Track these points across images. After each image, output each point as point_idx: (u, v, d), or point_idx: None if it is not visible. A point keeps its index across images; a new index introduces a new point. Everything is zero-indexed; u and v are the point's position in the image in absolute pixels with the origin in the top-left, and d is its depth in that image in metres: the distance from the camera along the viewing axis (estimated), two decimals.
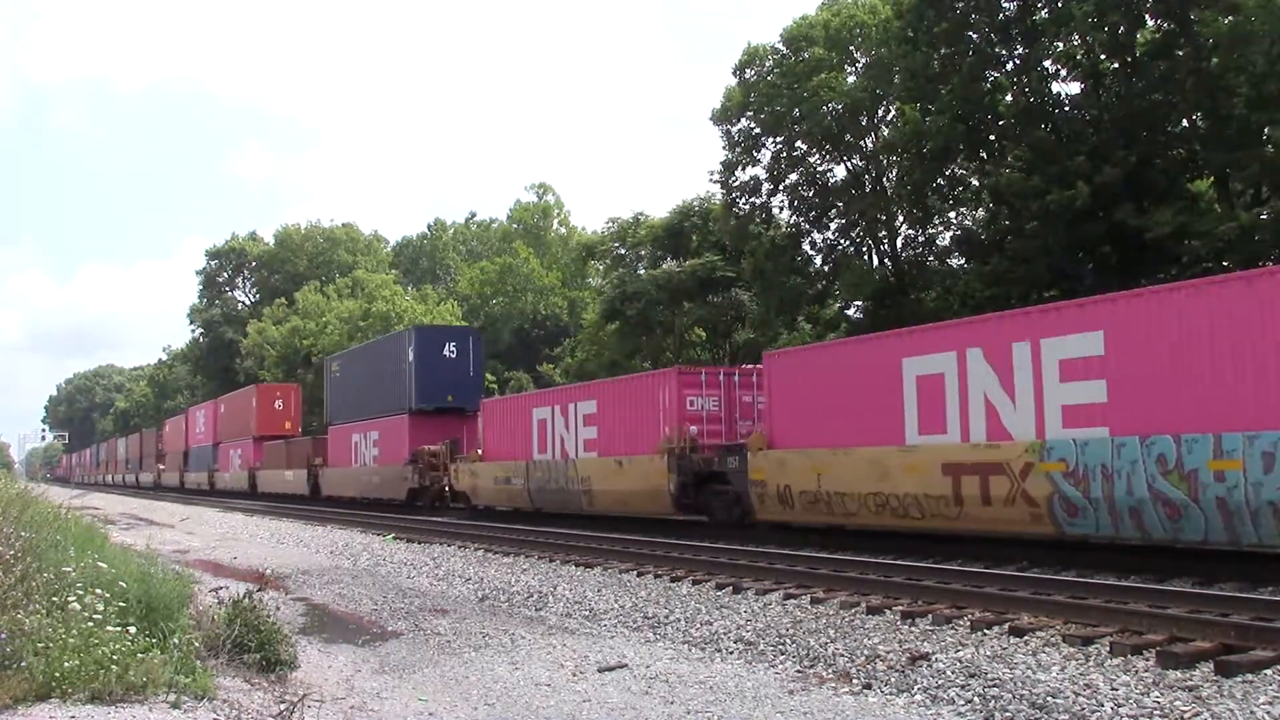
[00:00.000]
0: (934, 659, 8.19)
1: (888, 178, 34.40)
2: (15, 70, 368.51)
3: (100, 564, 8.47)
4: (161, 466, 66.01)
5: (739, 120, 35.95)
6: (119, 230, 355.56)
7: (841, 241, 35.60)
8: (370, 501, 33.84)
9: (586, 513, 22.73)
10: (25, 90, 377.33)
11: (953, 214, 33.73)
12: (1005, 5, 26.84)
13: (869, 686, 7.81)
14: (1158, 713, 6.52)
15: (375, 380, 34.11)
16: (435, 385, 30.93)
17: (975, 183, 30.33)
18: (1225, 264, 24.73)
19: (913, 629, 9.50)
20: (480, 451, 27.10)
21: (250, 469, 45.59)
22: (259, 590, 9.01)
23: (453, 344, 31.75)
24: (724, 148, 36.75)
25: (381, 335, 46.93)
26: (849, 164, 35.09)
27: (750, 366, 22.77)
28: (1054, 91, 27.67)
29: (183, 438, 60.78)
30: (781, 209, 36.48)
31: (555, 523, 22.65)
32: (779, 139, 35.28)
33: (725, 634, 9.87)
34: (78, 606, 6.83)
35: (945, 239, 34.42)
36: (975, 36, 27.61)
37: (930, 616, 9.77)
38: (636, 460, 20.53)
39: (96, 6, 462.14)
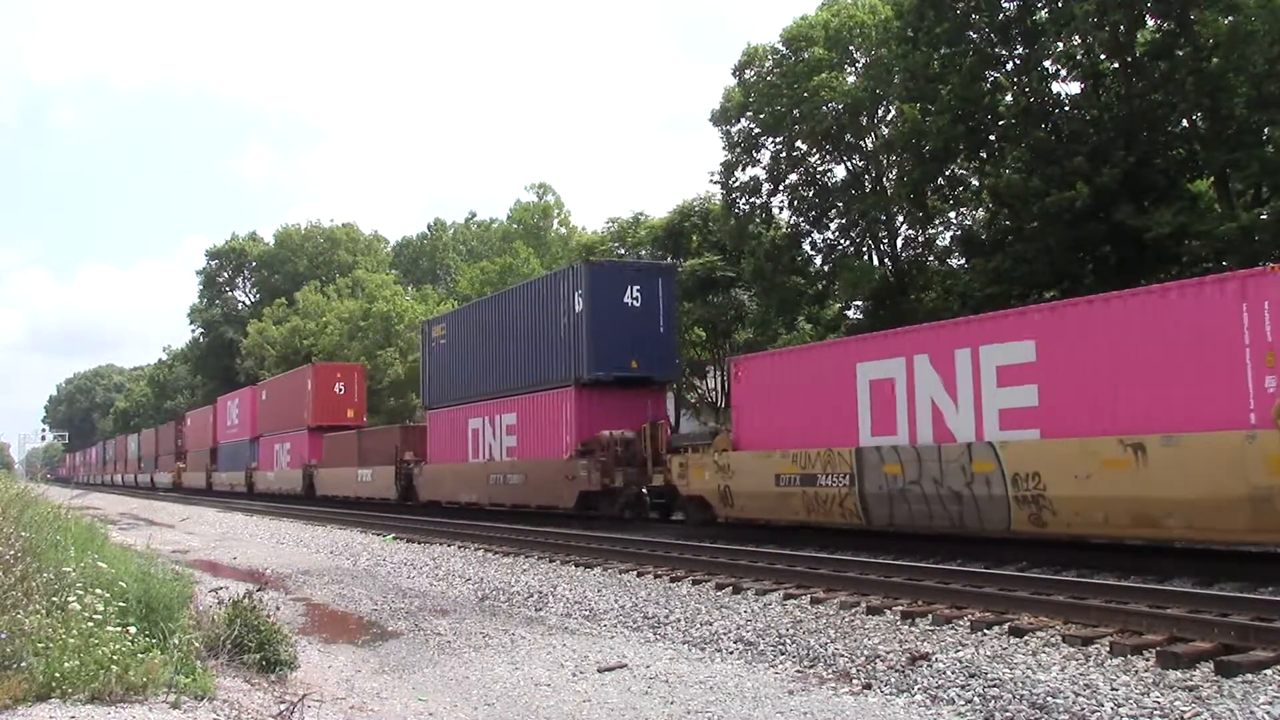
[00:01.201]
0: (934, 659, 8.19)
1: (888, 178, 34.41)
2: (16, 70, 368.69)
3: (100, 564, 8.48)
4: (182, 465, 59.60)
5: (739, 120, 35.95)
6: (120, 230, 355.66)
7: (841, 241, 35.61)
8: (503, 511, 25.45)
9: (1026, 535, 13.38)
10: (26, 90, 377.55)
11: (953, 214, 33.73)
12: (1005, 5, 26.83)
13: (869, 686, 7.81)
14: (1158, 713, 6.52)
15: (512, 344, 25.48)
16: (614, 346, 22.10)
17: (975, 183, 30.32)
18: (1225, 264, 24.74)
19: (913, 629, 9.50)
20: (731, 436, 18.48)
21: (306, 467, 38.31)
22: (259, 590, 9.01)
23: (637, 288, 22.53)
24: (724, 148, 36.75)
25: (504, 288, 35.29)
26: (849, 164, 35.11)
27: None
28: (1054, 91, 27.68)
29: (209, 432, 53.77)
30: (781, 209, 36.50)
31: (555, 522, 22.64)
32: (779, 139, 35.28)
33: (725, 634, 9.87)
34: (78, 607, 6.83)
35: (945, 239, 34.43)
36: (975, 36, 27.60)
37: (930, 616, 9.77)
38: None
39: (97, 6, 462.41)
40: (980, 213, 32.00)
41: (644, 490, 21.17)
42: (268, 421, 44.39)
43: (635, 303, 22.38)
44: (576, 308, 22.33)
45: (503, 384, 25.74)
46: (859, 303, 35.55)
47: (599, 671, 8.76)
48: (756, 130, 35.57)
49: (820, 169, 35.39)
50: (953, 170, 30.26)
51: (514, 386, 25.15)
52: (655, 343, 22.57)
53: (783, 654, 8.98)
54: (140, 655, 6.37)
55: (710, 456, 18.49)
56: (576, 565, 15.64)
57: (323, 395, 38.73)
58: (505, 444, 25.24)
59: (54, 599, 7.12)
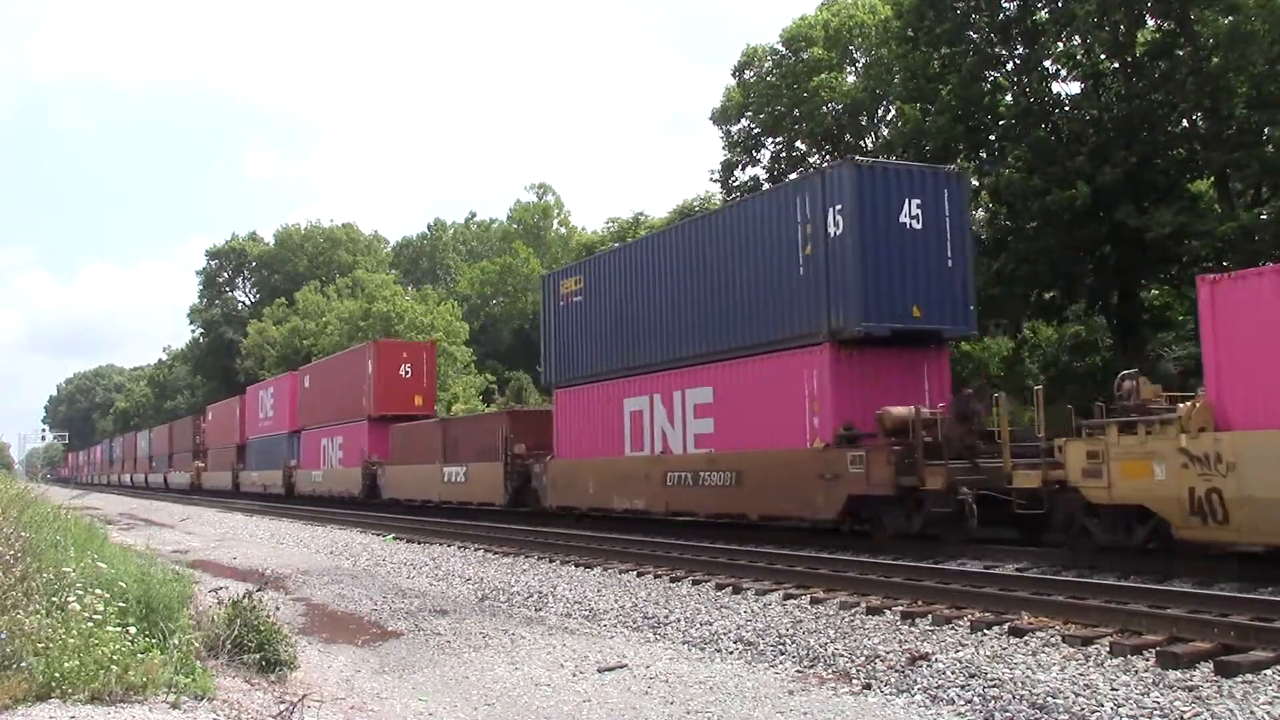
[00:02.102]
0: (934, 659, 8.18)
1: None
2: (17, 70, 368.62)
3: (100, 564, 8.48)
4: (201, 465, 53.80)
5: (739, 120, 35.99)
6: (121, 230, 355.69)
7: None
8: (693, 523, 19.33)
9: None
10: (27, 90, 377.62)
11: None
12: (1005, 5, 26.84)
13: (869, 686, 7.81)
14: (1158, 713, 6.52)
15: (702, 291, 18.65)
16: (889, 286, 15.64)
17: (975, 183, 30.32)
18: (1225, 264, 24.73)
19: (913, 629, 9.50)
20: (1209, 403, 11.33)
21: (367, 464, 32.35)
22: (259, 590, 9.00)
23: (917, 201, 15.97)
24: (724, 148, 36.78)
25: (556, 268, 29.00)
26: None
27: None
28: (1054, 91, 27.71)
29: (236, 426, 47.72)
30: None
31: (554, 523, 22.62)
32: (779, 139, 35.31)
33: (725, 634, 9.87)
34: (78, 607, 6.83)
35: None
36: (975, 36, 27.62)
37: (930, 616, 9.77)
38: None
39: (97, 6, 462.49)
40: (980, 213, 31.98)
41: (967, 495, 14.14)
42: (314, 412, 37.85)
43: (915, 223, 15.84)
44: (832, 230, 15.71)
45: (684, 348, 19.08)
46: None
47: (599, 671, 8.76)
48: (756, 130, 35.61)
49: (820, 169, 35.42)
50: None
51: (707, 350, 18.47)
52: (942, 281, 16.06)
53: (783, 654, 8.98)
54: (140, 655, 6.37)
55: (1169, 441, 11.45)
56: (576, 565, 15.64)
57: (387, 379, 32.55)
58: (693, 430, 18.76)
59: (54, 599, 7.12)
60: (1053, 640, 8.52)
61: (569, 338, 23.16)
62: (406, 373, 33.14)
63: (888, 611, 10.26)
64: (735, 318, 17.79)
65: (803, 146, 35.03)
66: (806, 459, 15.85)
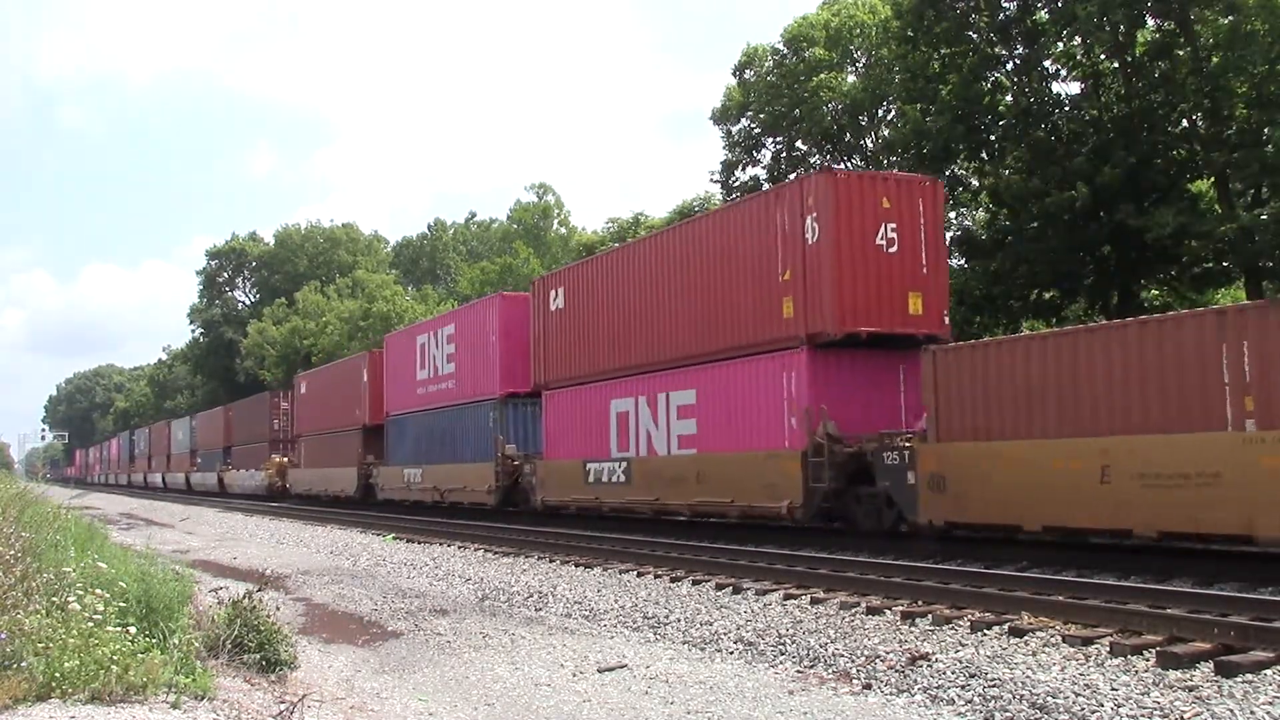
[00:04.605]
0: (934, 659, 8.18)
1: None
2: (20, 69, 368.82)
3: (100, 564, 8.48)
4: (287, 459, 40.68)
5: (739, 120, 36.00)
6: (123, 230, 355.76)
7: None
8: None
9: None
10: (29, 89, 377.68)
11: (952, 214, 33.73)
12: (1005, 5, 26.85)
13: (869, 686, 7.81)
14: (1158, 713, 6.52)
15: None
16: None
17: (975, 183, 30.34)
18: (1225, 264, 24.77)
19: (913, 629, 9.50)
20: None
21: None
22: (259, 590, 9.00)
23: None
24: (724, 148, 36.79)
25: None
26: (849, 164, 35.12)
27: None
28: (1054, 91, 27.71)
29: (362, 399, 32.40)
30: None
31: (554, 523, 22.63)
32: (779, 139, 35.32)
33: (725, 634, 9.87)
34: (78, 606, 6.83)
35: (945, 239, 34.40)
36: (975, 36, 27.63)
37: (930, 616, 9.77)
38: None
39: (98, 6, 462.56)
40: (980, 213, 32.01)
41: None
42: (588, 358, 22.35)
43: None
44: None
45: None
46: None
47: (599, 671, 8.76)
48: (757, 130, 35.62)
49: (821, 169, 35.41)
50: (952, 170, 30.30)
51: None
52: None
53: (783, 654, 8.98)
54: (140, 655, 6.36)
55: None
56: (576, 565, 15.64)
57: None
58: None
59: (54, 599, 7.12)
60: (1053, 640, 8.52)
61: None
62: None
63: (888, 611, 10.26)
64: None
65: (803, 146, 35.03)
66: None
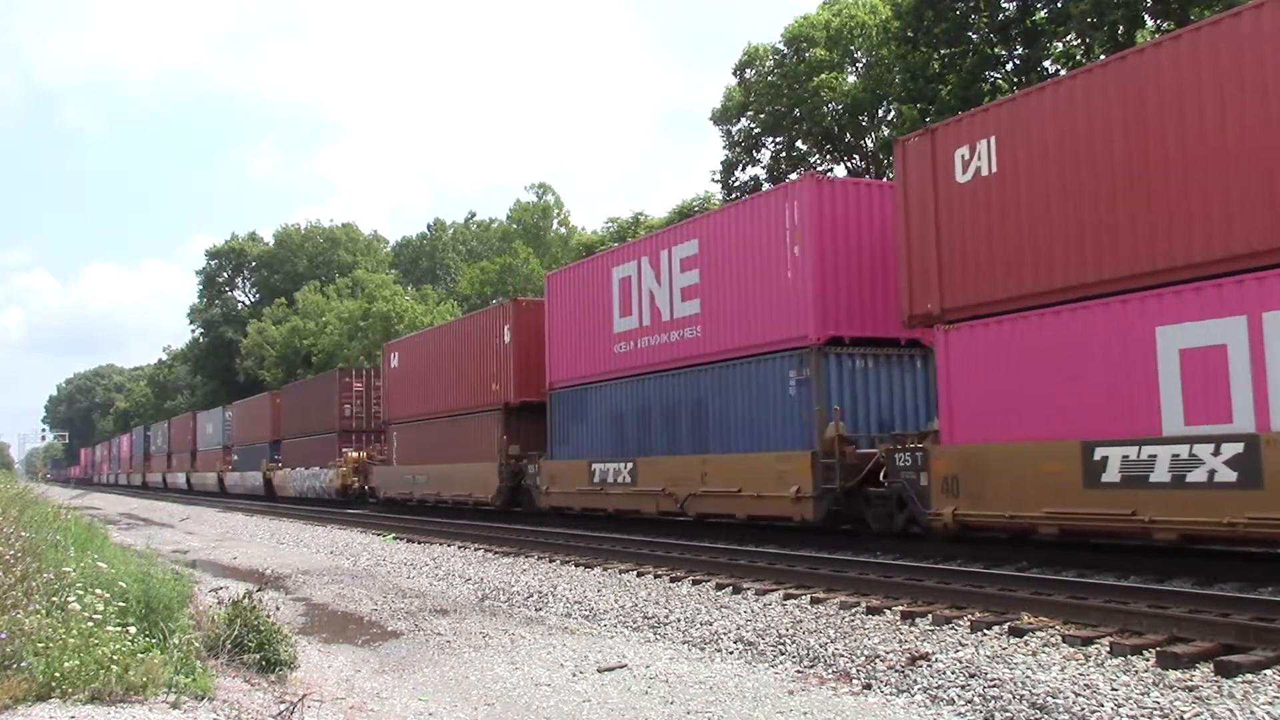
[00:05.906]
0: (934, 659, 8.18)
1: (888, 178, 34.46)
2: (21, 69, 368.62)
3: (100, 564, 8.49)
4: (371, 453, 32.77)
5: (739, 120, 36.02)
6: (125, 230, 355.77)
7: None
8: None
9: None
10: (30, 89, 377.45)
11: None
12: (1005, 5, 26.87)
13: (869, 686, 7.81)
14: (1158, 713, 6.51)
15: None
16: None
17: None
18: None
19: (913, 629, 9.50)
20: None
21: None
22: (259, 590, 9.01)
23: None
24: (724, 147, 36.81)
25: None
26: (849, 164, 35.14)
27: None
28: None
29: (498, 369, 24.31)
30: None
31: (554, 522, 22.63)
32: (779, 139, 35.33)
33: (725, 634, 9.87)
34: (78, 606, 6.84)
35: None
36: (975, 36, 27.64)
37: (930, 616, 9.76)
38: None
39: (99, 6, 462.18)
40: None
41: None
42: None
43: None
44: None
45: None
46: None
47: (599, 671, 8.76)
48: (757, 129, 35.64)
49: (820, 169, 35.42)
50: None
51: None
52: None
53: (783, 654, 8.98)
54: (140, 655, 6.37)
55: None
56: (576, 565, 15.64)
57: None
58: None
59: (54, 599, 7.12)
60: (1053, 640, 8.52)
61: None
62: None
63: (888, 611, 10.26)
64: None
65: (803, 146, 35.06)
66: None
